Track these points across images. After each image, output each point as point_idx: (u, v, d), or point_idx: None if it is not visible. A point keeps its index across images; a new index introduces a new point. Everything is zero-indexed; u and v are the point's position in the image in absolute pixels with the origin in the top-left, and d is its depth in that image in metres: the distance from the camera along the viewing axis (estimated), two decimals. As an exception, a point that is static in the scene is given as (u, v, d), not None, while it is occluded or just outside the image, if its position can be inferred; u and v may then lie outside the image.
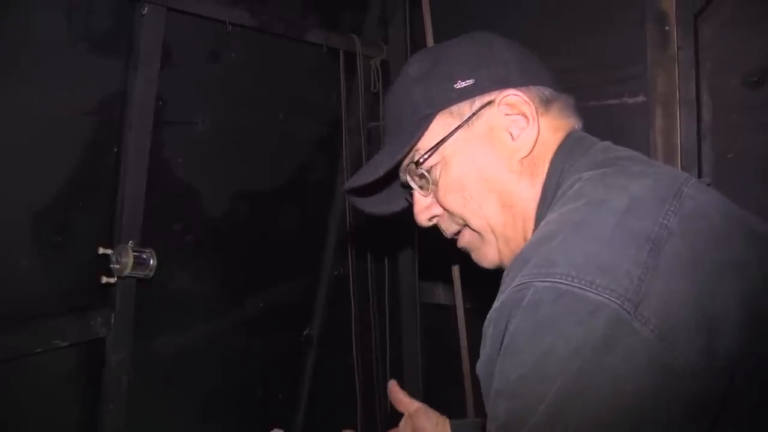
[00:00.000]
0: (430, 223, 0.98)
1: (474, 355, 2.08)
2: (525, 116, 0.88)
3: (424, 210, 0.97)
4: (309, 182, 2.22)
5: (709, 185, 0.78)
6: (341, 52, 2.20)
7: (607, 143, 0.89)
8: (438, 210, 0.96)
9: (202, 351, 1.89)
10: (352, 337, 2.36)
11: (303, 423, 2.25)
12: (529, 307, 0.64)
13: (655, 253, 0.64)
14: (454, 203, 0.91)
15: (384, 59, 2.36)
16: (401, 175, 0.98)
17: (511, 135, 0.88)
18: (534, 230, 0.85)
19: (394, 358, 2.48)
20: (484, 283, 0.96)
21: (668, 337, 0.60)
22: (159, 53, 1.60)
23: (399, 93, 0.96)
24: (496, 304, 0.70)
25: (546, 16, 2.05)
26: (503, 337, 0.67)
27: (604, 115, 1.93)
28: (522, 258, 0.70)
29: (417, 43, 2.33)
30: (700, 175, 1.80)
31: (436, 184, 0.93)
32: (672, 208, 0.69)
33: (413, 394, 1.28)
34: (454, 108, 0.90)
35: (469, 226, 0.93)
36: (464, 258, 0.99)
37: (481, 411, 0.74)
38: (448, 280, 2.31)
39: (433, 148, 0.90)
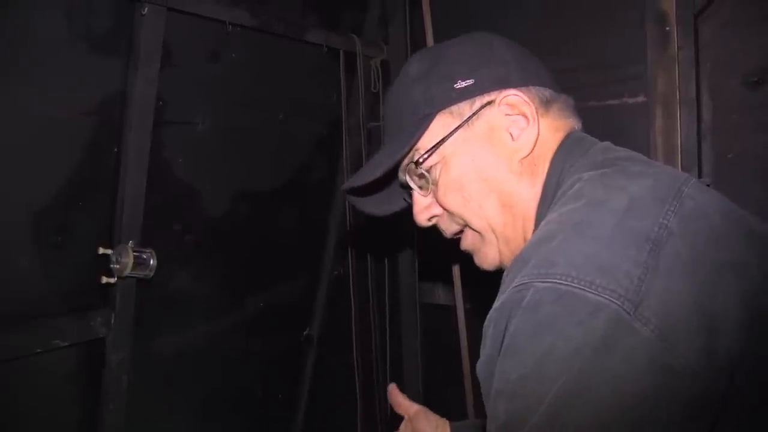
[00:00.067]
0: (430, 223, 0.98)
1: (474, 355, 2.08)
2: (525, 116, 0.88)
3: (424, 210, 0.97)
4: (309, 182, 2.22)
5: (708, 185, 0.79)
6: (341, 52, 2.20)
7: (607, 143, 0.89)
8: (437, 210, 0.96)
9: (202, 351, 1.89)
10: (352, 337, 2.36)
11: (303, 423, 2.25)
12: (530, 307, 0.64)
13: (655, 254, 0.64)
14: (453, 203, 0.91)
15: (384, 59, 2.36)
16: (401, 175, 0.97)
17: (511, 135, 0.88)
18: (534, 230, 0.85)
19: (394, 358, 2.48)
20: (484, 283, 0.96)
21: (668, 338, 0.60)
22: (159, 53, 1.60)
23: (399, 93, 0.96)
24: (496, 305, 0.70)
25: (546, 16, 2.05)
26: (503, 338, 0.67)
27: (604, 116, 1.93)
28: (522, 258, 0.70)
29: (417, 43, 2.33)
30: (700, 175, 1.80)
31: (435, 183, 0.93)
32: (672, 209, 0.69)
33: (413, 395, 1.28)
34: (454, 108, 0.90)
35: (469, 227, 0.93)
36: (464, 258, 0.99)
37: (481, 411, 0.74)
38: (448, 281, 2.31)
39: (433, 147, 0.90)
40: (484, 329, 0.72)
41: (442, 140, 0.90)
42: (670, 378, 0.60)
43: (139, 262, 1.55)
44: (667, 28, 1.81)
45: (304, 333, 2.27)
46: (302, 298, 2.25)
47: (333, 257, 2.31)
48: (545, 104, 0.90)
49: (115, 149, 1.59)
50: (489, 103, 0.89)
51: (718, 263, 0.66)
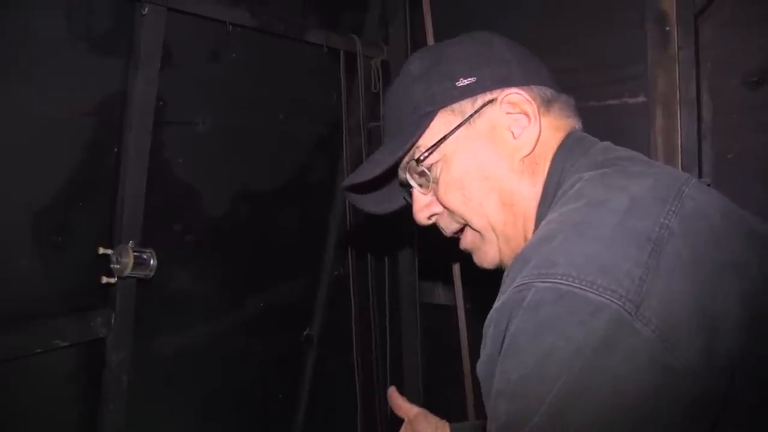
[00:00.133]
0: (429, 222, 0.98)
1: (474, 355, 2.09)
2: (527, 115, 0.88)
3: (424, 208, 0.97)
4: (309, 182, 2.22)
5: (709, 185, 0.78)
6: (342, 53, 2.20)
7: (607, 143, 0.89)
8: (438, 208, 0.95)
9: (202, 351, 1.89)
10: (352, 337, 2.36)
11: (303, 423, 2.25)
12: (530, 307, 0.64)
13: (656, 254, 0.64)
14: (454, 201, 0.91)
15: (384, 59, 2.36)
16: (401, 173, 0.97)
17: (513, 134, 0.88)
18: (534, 230, 0.85)
19: (394, 358, 2.48)
20: (485, 283, 0.96)
21: (669, 338, 0.60)
22: (159, 53, 1.60)
23: (399, 91, 0.96)
24: (496, 305, 0.70)
25: (546, 17, 2.05)
26: (504, 338, 0.67)
27: (604, 116, 1.93)
28: (522, 258, 0.70)
29: (417, 44, 2.33)
30: (700, 175, 1.80)
31: (436, 182, 0.92)
32: (673, 209, 0.69)
33: (413, 395, 1.28)
34: (456, 106, 0.90)
35: (469, 226, 0.93)
36: (464, 257, 0.99)
37: (481, 411, 0.74)
38: (449, 280, 2.31)
39: (434, 145, 0.90)
40: (484, 329, 0.71)
41: (444, 138, 0.90)
42: (670, 378, 0.60)
43: (139, 262, 1.55)
44: (668, 28, 1.81)
45: (304, 333, 2.27)
46: (302, 298, 2.25)
47: (333, 257, 2.31)
48: (546, 103, 0.90)
49: (115, 149, 1.58)
50: (491, 101, 0.89)
51: (718, 263, 0.66)
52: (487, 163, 0.88)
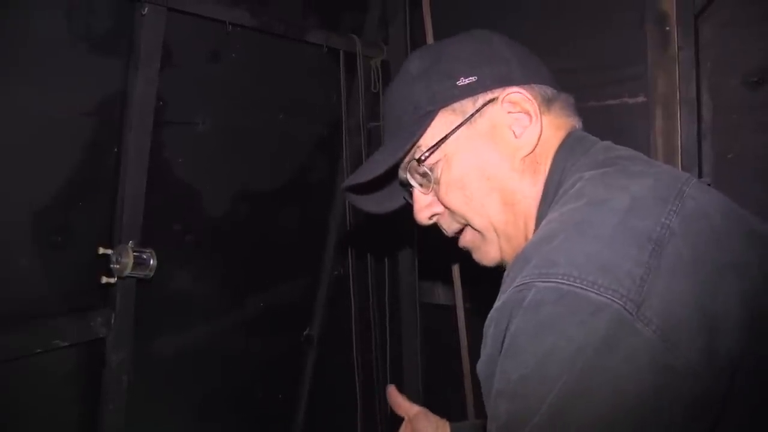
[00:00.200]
0: (430, 222, 0.98)
1: (474, 355, 2.09)
2: (528, 114, 0.88)
3: (424, 208, 0.96)
4: (309, 182, 2.22)
5: (709, 185, 0.78)
6: (341, 53, 2.20)
7: (608, 143, 0.89)
8: (439, 208, 0.95)
9: (202, 351, 1.89)
10: (352, 337, 2.36)
11: (303, 423, 2.25)
12: (531, 307, 0.64)
13: (657, 254, 0.64)
14: (455, 201, 0.91)
15: (384, 59, 2.36)
16: (401, 173, 0.97)
17: (514, 133, 0.88)
18: (535, 229, 0.85)
19: (394, 357, 2.48)
20: (485, 282, 0.96)
21: (670, 338, 0.60)
22: (159, 53, 1.60)
23: (399, 90, 0.96)
24: (497, 304, 0.70)
25: (546, 17, 2.05)
26: (504, 337, 0.67)
27: (604, 116, 1.93)
28: (523, 258, 0.70)
29: (417, 44, 2.33)
30: (700, 175, 1.80)
31: (437, 182, 0.92)
32: (674, 208, 0.69)
33: (413, 394, 1.28)
34: (457, 105, 0.89)
35: (470, 225, 0.92)
36: (464, 257, 0.98)
37: (481, 411, 0.74)
38: (448, 280, 2.31)
39: (435, 145, 0.90)
40: (484, 329, 0.71)
41: (445, 138, 0.89)
42: (671, 378, 0.60)
43: (139, 262, 1.55)
44: (668, 29, 1.81)
45: (304, 333, 2.27)
46: (302, 298, 2.25)
47: (333, 257, 2.31)
48: (547, 102, 0.90)
49: (115, 149, 1.58)
50: (492, 100, 0.89)
51: (719, 263, 0.66)
52: (488, 162, 0.88)
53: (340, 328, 2.35)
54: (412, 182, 0.95)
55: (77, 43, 1.47)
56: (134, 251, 1.55)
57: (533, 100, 0.88)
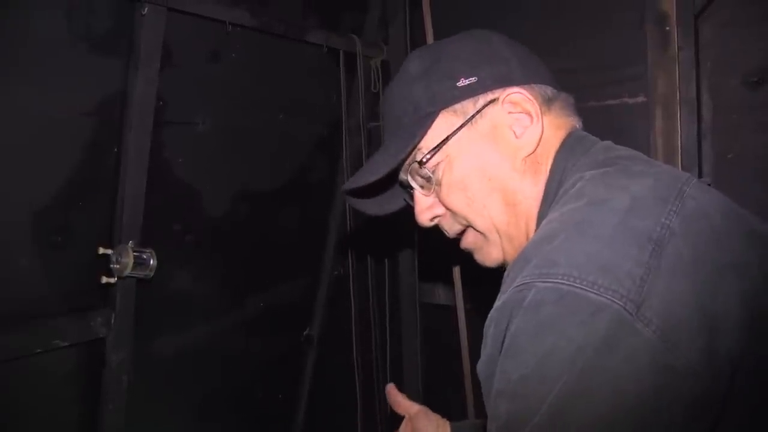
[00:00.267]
0: (432, 224, 0.97)
1: (474, 355, 2.09)
2: (529, 114, 0.87)
3: (426, 210, 0.96)
4: (309, 182, 2.22)
5: (709, 185, 0.78)
6: (341, 53, 2.20)
7: (608, 142, 0.89)
8: (440, 210, 0.95)
9: (202, 351, 1.89)
10: (352, 337, 2.36)
11: (303, 423, 2.25)
12: (531, 307, 0.64)
13: (657, 254, 0.64)
14: (457, 203, 0.91)
15: (384, 59, 2.36)
16: (402, 175, 0.97)
17: (515, 133, 0.88)
18: (536, 229, 0.85)
19: (394, 358, 2.48)
20: (485, 283, 0.96)
21: (670, 338, 0.60)
22: (159, 53, 1.60)
23: (399, 90, 0.95)
24: (497, 304, 0.70)
25: (546, 17, 2.05)
26: (504, 338, 0.67)
27: (604, 116, 1.93)
28: (523, 258, 0.70)
29: (417, 44, 2.32)
30: (700, 175, 1.80)
31: (438, 183, 0.92)
32: (674, 209, 0.69)
33: (413, 395, 1.28)
34: (458, 106, 0.89)
35: (472, 227, 0.92)
36: (465, 258, 0.98)
37: (481, 411, 0.74)
38: (449, 280, 2.31)
39: (436, 147, 0.89)
40: (485, 329, 0.71)
41: (446, 139, 0.89)
42: (671, 378, 0.60)
43: (139, 262, 1.55)
44: (668, 29, 1.81)
45: (304, 333, 2.27)
46: (302, 298, 2.25)
47: (333, 257, 2.31)
48: (547, 102, 0.90)
49: (115, 149, 1.58)
50: (492, 101, 0.88)
51: (719, 263, 0.66)
52: (489, 163, 0.88)
53: (340, 328, 2.35)
54: (414, 184, 0.95)
55: (77, 43, 1.47)
56: (134, 251, 1.55)
57: (534, 101, 0.88)
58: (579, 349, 0.61)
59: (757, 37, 1.72)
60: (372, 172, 0.92)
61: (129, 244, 1.56)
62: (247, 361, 2.04)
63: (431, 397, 2.38)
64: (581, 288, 0.62)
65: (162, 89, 1.63)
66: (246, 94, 1.94)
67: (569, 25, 2.02)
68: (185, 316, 1.84)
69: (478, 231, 0.92)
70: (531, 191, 0.87)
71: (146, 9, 1.54)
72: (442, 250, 1.37)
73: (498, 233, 0.90)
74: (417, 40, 2.34)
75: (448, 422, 1.23)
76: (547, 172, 0.87)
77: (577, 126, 0.93)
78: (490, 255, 0.93)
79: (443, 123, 0.90)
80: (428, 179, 0.93)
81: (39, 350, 1.46)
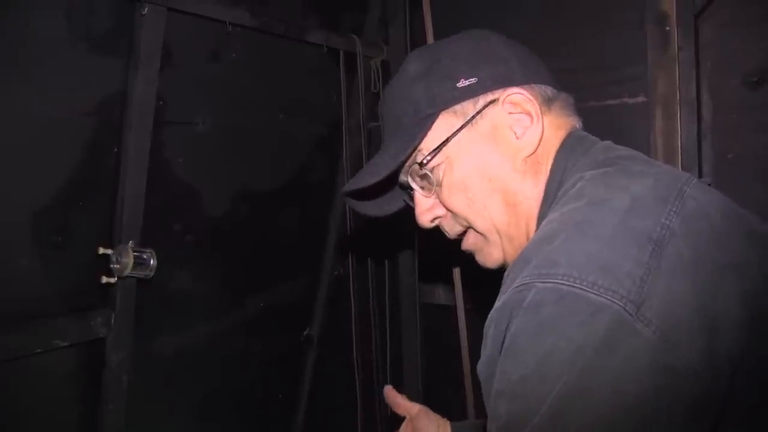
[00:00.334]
0: (432, 225, 0.97)
1: (474, 355, 2.09)
2: (529, 115, 0.87)
3: (426, 211, 0.96)
4: (309, 183, 2.22)
5: (709, 185, 0.78)
6: (341, 53, 2.20)
7: (608, 142, 0.89)
8: (441, 211, 0.95)
9: (202, 351, 1.89)
10: (352, 337, 2.36)
11: (303, 423, 2.25)
12: (531, 307, 0.64)
13: (657, 254, 0.64)
14: (458, 204, 0.90)
15: (384, 59, 2.36)
16: (402, 176, 0.97)
17: (515, 134, 0.88)
18: (536, 229, 0.85)
19: (394, 358, 2.48)
20: (485, 283, 0.96)
21: (670, 338, 0.60)
22: (159, 53, 1.60)
23: (398, 91, 0.95)
24: (497, 305, 0.70)
25: (546, 17, 2.05)
26: (504, 338, 0.67)
27: (604, 116, 1.93)
28: (523, 258, 0.70)
29: (417, 44, 2.32)
30: (700, 175, 1.80)
31: (439, 184, 0.92)
32: (674, 209, 0.69)
33: (413, 395, 1.28)
34: (458, 107, 0.89)
35: (472, 228, 0.92)
36: (465, 257, 0.98)
37: (481, 411, 0.74)
38: (449, 281, 2.31)
39: (437, 148, 0.89)
40: (485, 329, 0.71)
41: (446, 140, 0.89)
42: (671, 378, 0.60)
43: (139, 262, 1.55)
44: (668, 29, 1.81)
45: (304, 333, 2.27)
46: (302, 299, 2.25)
47: (333, 257, 2.31)
48: (547, 102, 0.90)
49: (115, 149, 1.58)
50: (492, 101, 0.88)
51: (719, 263, 0.66)
52: (490, 164, 0.88)
53: (340, 328, 2.35)
54: (414, 186, 0.95)
55: (77, 43, 1.47)
56: (134, 251, 1.55)
57: (534, 101, 0.88)
58: (579, 349, 0.61)
59: (757, 37, 1.72)
60: (372, 174, 0.92)
61: (129, 244, 1.56)
62: (247, 361, 2.04)
63: (431, 397, 2.38)
64: (581, 288, 0.62)
65: (162, 89, 1.63)
66: (246, 94, 1.94)
67: (569, 25, 2.02)
68: (185, 316, 1.84)
69: (478, 232, 0.92)
70: (531, 192, 0.87)
71: (146, 9, 1.54)
72: (442, 251, 1.37)
73: (498, 234, 0.90)
74: (417, 40, 2.33)
75: (448, 422, 1.23)
76: (548, 173, 0.87)
77: (577, 126, 0.93)
78: (491, 256, 0.93)
79: (443, 124, 0.90)
80: (429, 180, 0.93)
81: (39, 350, 1.46)
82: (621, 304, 0.61)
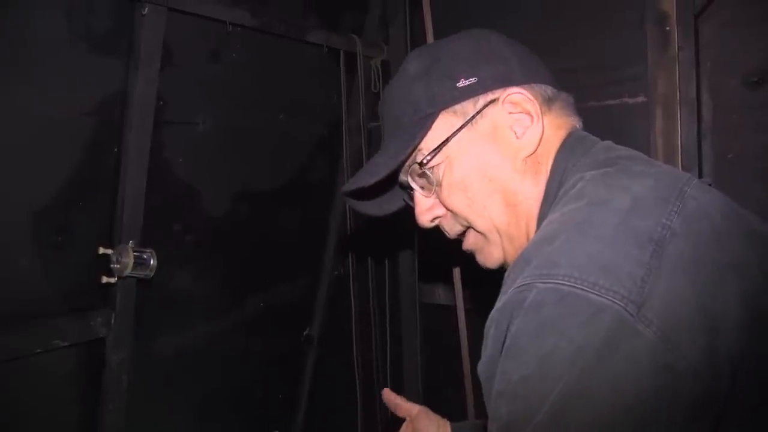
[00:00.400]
0: (432, 224, 0.97)
1: (474, 355, 2.09)
2: (529, 114, 0.87)
3: (426, 211, 0.96)
4: (309, 183, 2.22)
5: (709, 185, 0.78)
6: (342, 53, 2.20)
7: (609, 142, 0.89)
8: (441, 211, 0.95)
9: (202, 351, 1.89)
10: (352, 337, 2.36)
11: (303, 423, 2.25)
12: (532, 308, 0.64)
13: (658, 254, 0.64)
14: (458, 204, 0.90)
15: (384, 59, 2.36)
16: (402, 176, 0.96)
17: (515, 134, 0.88)
18: (536, 229, 0.85)
19: (394, 358, 2.48)
20: (485, 283, 0.96)
21: (671, 338, 0.60)
22: (159, 53, 1.60)
23: (398, 91, 0.95)
24: (497, 305, 0.70)
25: (546, 17, 2.05)
26: (505, 338, 0.67)
27: (604, 116, 1.93)
28: (524, 258, 0.70)
29: (417, 44, 2.32)
30: (700, 175, 1.80)
31: (439, 184, 0.92)
32: (675, 209, 0.68)
33: (413, 395, 1.28)
34: (458, 107, 0.89)
35: (473, 228, 0.92)
36: (465, 259, 0.98)
37: (481, 412, 0.74)
38: (449, 281, 2.31)
39: (437, 148, 0.89)
40: (485, 330, 0.71)
41: (446, 140, 0.89)
42: (672, 378, 0.60)
43: (139, 262, 1.55)
44: (668, 29, 1.81)
45: (304, 333, 2.27)
46: (302, 299, 2.25)
47: (333, 257, 2.31)
48: (548, 102, 0.90)
49: (115, 149, 1.58)
50: (492, 101, 0.88)
51: (719, 263, 0.66)
52: (490, 164, 0.88)
53: (340, 328, 2.35)
54: (414, 185, 0.95)
55: (77, 43, 1.47)
56: (134, 251, 1.55)
57: (534, 101, 0.88)
58: (579, 349, 0.61)
59: (757, 37, 1.73)
60: (372, 173, 0.92)
61: (129, 244, 1.56)
62: (247, 361, 2.04)
63: (431, 397, 2.38)
64: (582, 289, 0.62)
65: (162, 89, 1.63)
66: (246, 94, 1.94)
67: (569, 25, 2.02)
68: (185, 316, 1.84)
69: (478, 232, 0.92)
70: (531, 192, 0.87)
71: (146, 9, 1.54)
72: (442, 251, 1.37)
73: (498, 234, 0.90)
74: (417, 40, 2.34)
75: (448, 422, 1.23)
76: (548, 173, 0.87)
77: (578, 126, 0.93)
78: (491, 255, 0.93)
79: (443, 124, 0.90)
80: (429, 180, 0.93)
81: (39, 350, 1.46)
82: (622, 304, 0.61)
